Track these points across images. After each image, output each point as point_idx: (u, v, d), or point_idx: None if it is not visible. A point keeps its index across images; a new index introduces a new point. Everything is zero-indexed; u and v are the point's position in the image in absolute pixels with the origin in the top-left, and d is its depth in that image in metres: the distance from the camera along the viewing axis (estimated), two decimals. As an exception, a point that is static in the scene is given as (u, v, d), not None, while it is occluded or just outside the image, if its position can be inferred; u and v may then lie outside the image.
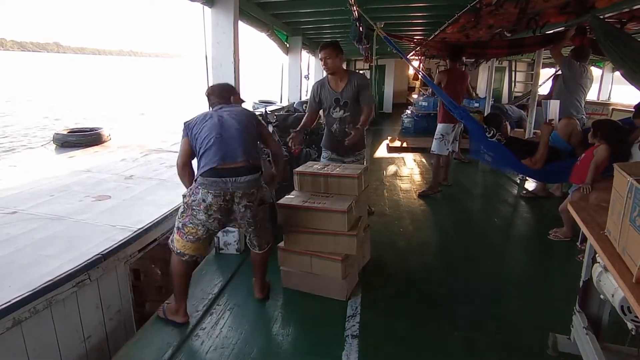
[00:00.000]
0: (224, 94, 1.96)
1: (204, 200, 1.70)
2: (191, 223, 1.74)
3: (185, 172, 1.83)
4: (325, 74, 2.61)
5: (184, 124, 1.83)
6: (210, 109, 1.94)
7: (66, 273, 1.70)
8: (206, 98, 2.00)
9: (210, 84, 2.41)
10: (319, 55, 2.57)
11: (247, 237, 1.97)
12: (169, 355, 1.68)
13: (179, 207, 1.83)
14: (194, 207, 1.72)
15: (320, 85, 2.62)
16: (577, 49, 3.50)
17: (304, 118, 2.72)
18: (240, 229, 1.90)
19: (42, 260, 1.84)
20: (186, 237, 1.76)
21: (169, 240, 1.84)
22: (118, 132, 5.78)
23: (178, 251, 1.79)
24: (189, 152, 1.81)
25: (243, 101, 2.08)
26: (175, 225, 1.80)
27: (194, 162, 1.83)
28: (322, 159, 2.82)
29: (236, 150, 1.75)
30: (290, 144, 2.43)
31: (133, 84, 31.53)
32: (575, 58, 3.41)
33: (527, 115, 4.75)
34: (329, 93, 2.57)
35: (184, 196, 1.77)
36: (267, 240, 1.98)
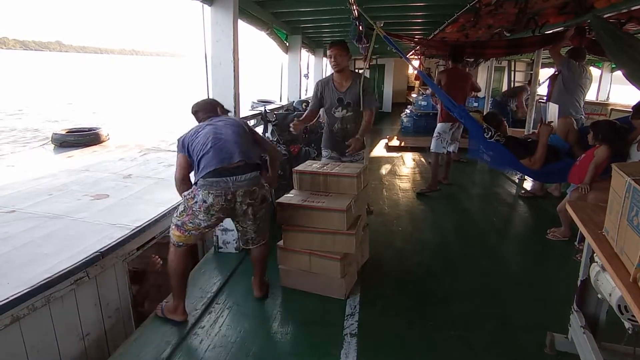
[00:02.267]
0: (209, 108, 2.02)
1: (204, 202, 1.72)
2: (191, 222, 1.77)
3: (184, 186, 1.85)
4: (326, 73, 2.61)
5: (178, 140, 1.86)
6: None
7: (64, 270, 1.71)
8: (193, 115, 2.03)
9: (210, 83, 2.42)
10: (328, 52, 2.59)
11: (244, 234, 1.96)
12: (167, 353, 1.68)
13: (178, 205, 1.84)
14: (194, 208, 1.74)
15: (324, 84, 2.63)
16: (574, 49, 3.51)
17: (305, 112, 2.74)
18: (240, 225, 1.91)
19: (40, 258, 1.84)
20: (188, 233, 1.79)
21: (170, 234, 1.86)
22: (117, 131, 5.76)
23: (179, 244, 1.81)
24: (186, 166, 1.84)
25: (228, 111, 2.13)
26: (174, 223, 1.81)
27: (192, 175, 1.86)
28: (322, 158, 2.82)
29: (233, 151, 1.78)
30: (290, 126, 2.47)
31: (134, 83, 31.46)
32: (573, 58, 3.42)
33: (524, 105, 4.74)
34: (332, 92, 2.58)
35: (185, 196, 1.79)
36: (263, 236, 1.99)
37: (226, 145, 1.78)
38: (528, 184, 4.20)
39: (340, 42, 2.54)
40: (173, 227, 1.82)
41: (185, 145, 1.83)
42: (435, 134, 3.89)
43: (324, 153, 2.80)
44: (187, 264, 1.88)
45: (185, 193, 1.80)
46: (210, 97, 2.44)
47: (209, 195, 1.71)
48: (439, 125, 3.89)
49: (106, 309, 1.95)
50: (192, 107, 2.04)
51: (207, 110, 2.00)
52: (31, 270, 1.70)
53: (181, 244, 1.81)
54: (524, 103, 6.35)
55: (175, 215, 1.82)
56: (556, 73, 4.46)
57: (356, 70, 3.35)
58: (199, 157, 1.77)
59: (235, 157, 1.76)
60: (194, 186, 1.78)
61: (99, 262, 1.87)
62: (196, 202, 1.73)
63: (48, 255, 1.86)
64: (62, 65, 62.01)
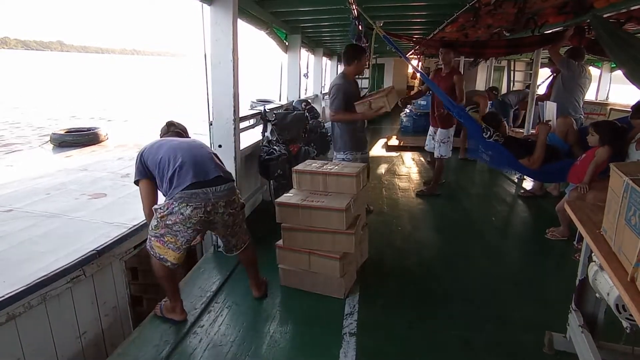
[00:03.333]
0: (181, 131, 2.02)
1: (181, 214, 1.66)
2: (169, 234, 1.70)
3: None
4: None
5: (138, 162, 1.78)
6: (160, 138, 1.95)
7: (61, 268, 1.70)
8: (165, 127, 2.03)
9: (210, 82, 2.41)
10: (362, 60, 2.82)
11: (226, 243, 1.93)
12: (166, 352, 1.68)
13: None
14: (168, 222, 1.68)
15: (348, 84, 2.81)
16: (574, 49, 3.52)
17: (344, 112, 2.78)
18: (218, 234, 1.90)
19: (37, 256, 1.83)
20: (167, 245, 1.72)
21: (148, 246, 1.79)
22: (115, 131, 5.76)
23: (160, 256, 1.74)
24: (153, 193, 1.79)
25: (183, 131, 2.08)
26: (152, 235, 1.75)
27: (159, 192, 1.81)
28: (345, 160, 2.81)
29: (208, 166, 1.74)
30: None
31: (135, 83, 31.41)
32: (572, 58, 3.42)
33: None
34: (356, 89, 2.88)
35: (156, 210, 1.72)
36: (243, 239, 1.96)
37: (199, 160, 1.74)
38: (527, 183, 4.20)
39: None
40: (152, 239, 1.74)
41: (145, 164, 1.76)
42: (443, 139, 3.74)
43: (348, 156, 2.83)
44: (173, 270, 1.81)
45: (156, 207, 1.73)
46: (210, 96, 2.45)
47: (187, 207, 1.65)
48: (444, 131, 3.74)
49: (103, 308, 1.94)
50: (166, 123, 2.06)
51: (177, 132, 2.00)
52: (27, 268, 1.70)
53: (162, 257, 1.73)
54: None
55: (151, 229, 1.75)
56: (554, 74, 4.48)
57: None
58: (169, 173, 1.69)
59: (211, 174, 1.72)
60: (166, 200, 1.70)
61: (95, 260, 1.87)
62: (171, 214, 1.66)
63: (44, 254, 1.85)
64: (63, 65, 61.89)
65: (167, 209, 1.67)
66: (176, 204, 1.66)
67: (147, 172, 1.78)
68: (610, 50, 2.46)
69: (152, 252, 1.77)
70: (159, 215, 1.71)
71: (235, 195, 1.82)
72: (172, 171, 1.70)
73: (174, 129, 2.00)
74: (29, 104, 16.57)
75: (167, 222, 1.68)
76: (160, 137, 1.96)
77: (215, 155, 1.89)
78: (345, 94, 2.73)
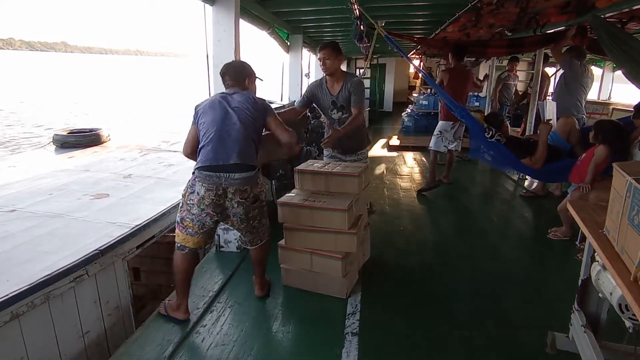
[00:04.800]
0: (239, 77, 1.91)
1: (197, 193, 1.72)
2: (188, 217, 1.77)
3: (192, 158, 1.85)
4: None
5: (195, 108, 1.85)
6: (225, 89, 1.91)
7: (64, 268, 1.71)
8: (221, 77, 1.94)
9: (212, 82, 2.42)
10: (318, 55, 2.54)
11: (241, 235, 1.97)
12: (169, 352, 1.69)
13: (179, 202, 1.84)
14: (188, 202, 1.75)
15: (318, 86, 2.59)
16: (575, 48, 3.51)
17: (290, 108, 2.72)
18: (233, 226, 1.90)
19: (40, 256, 1.84)
20: (186, 231, 1.79)
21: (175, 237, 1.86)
22: (117, 132, 5.77)
23: (179, 245, 1.81)
24: (195, 141, 1.82)
25: (257, 83, 2.02)
26: (177, 220, 1.82)
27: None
28: (324, 157, 2.82)
29: (231, 151, 1.74)
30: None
31: (138, 83, 31.53)
32: (575, 57, 3.41)
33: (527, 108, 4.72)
34: (326, 95, 2.55)
35: (184, 190, 1.79)
36: (259, 237, 1.95)
37: (226, 143, 1.75)
38: (529, 183, 4.19)
39: (330, 44, 2.44)
40: (176, 225, 1.83)
41: (198, 116, 1.82)
42: (436, 132, 3.90)
43: (325, 152, 2.80)
44: (191, 264, 1.87)
45: (187, 183, 1.79)
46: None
47: (202, 187, 1.71)
48: (440, 123, 3.91)
49: (106, 307, 1.95)
50: (222, 68, 1.95)
51: (234, 79, 1.90)
52: (31, 268, 1.71)
53: (181, 245, 1.80)
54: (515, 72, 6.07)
55: (178, 212, 1.83)
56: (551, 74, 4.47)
57: (352, 71, 3.33)
58: (200, 144, 1.77)
59: (232, 159, 1.74)
60: (192, 175, 1.77)
61: (98, 260, 1.88)
62: (192, 192, 1.74)
63: (48, 253, 1.86)
64: (67, 66, 62.15)
65: (191, 186, 1.75)
66: (197, 182, 1.73)
67: (196, 121, 1.83)
68: (610, 51, 2.46)
69: (176, 245, 1.83)
70: (184, 193, 1.77)
71: (249, 186, 1.77)
72: (202, 144, 1.76)
73: (228, 80, 1.91)
74: (32, 104, 16.64)
75: (189, 201, 1.75)
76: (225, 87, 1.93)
77: (257, 128, 1.84)
78: (305, 94, 2.69)
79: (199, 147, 1.78)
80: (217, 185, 1.71)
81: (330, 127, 2.67)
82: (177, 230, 1.82)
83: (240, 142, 1.77)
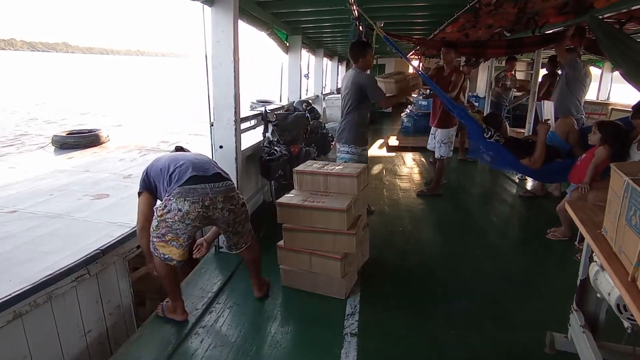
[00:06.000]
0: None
1: (179, 210, 1.68)
2: (170, 233, 1.72)
3: (145, 234, 1.82)
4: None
5: (144, 175, 1.88)
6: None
7: (65, 268, 1.71)
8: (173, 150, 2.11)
9: (211, 83, 2.42)
10: (369, 56, 2.84)
11: (228, 240, 1.96)
12: (168, 352, 1.69)
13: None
14: (167, 220, 1.70)
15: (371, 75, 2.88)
16: (575, 48, 3.52)
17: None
18: (220, 230, 1.93)
19: (42, 256, 1.85)
20: (170, 244, 1.74)
21: (152, 248, 1.80)
22: (117, 132, 5.78)
23: (165, 256, 1.76)
24: (150, 208, 1.82)
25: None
26: (154, 236, 1.77)
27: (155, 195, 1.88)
28: (349, 154, 2.89)
29: (207, 166, 1.81)
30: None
31: (139, 84, 31.52)
32: (578, 57, 3.43)
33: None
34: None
35: (156, 209, 1.75)
36: (244, 240, 1.95)
37: (200, 161, 1.82)
38: (528, 183, 4.20)
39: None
40: (155, 239, 1.76)
41: (148, 174, 1.85)
42: (444, 139, 3.75)
43: (353, 150, 2.88)
44: (173, 268, 1.83)
45: (157, 206, 1.77)
46: (211, 97, 2.46)
47: (185, 202, 1.67)
48: (444, 131, 3.75)
49: (107, 306, 1.96)
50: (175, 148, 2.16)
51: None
52: (32, 268, 1.71)
53: (168, 257, 1.75)
54: (514, 76, 6.13)
55: (152, 231, 1.77)
56: (548, 74, 4.47)
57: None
58: (170, 172, 1.75)
59: (210, 170, 1.78)
60: (165, 198, 1.73)
61: (99, 259, 1.88)
62: (169, 211, 1.69)
63: (49, 253, 1.86)
64: (69, 66, 62.16)
65: (166, 206, 1.71)
66: (174, 200, 1.69)
67: (149, 184, 1.85)
68: (608, 52, 2.47)
69: (156, 253, 1.78)
70: (159, 214, 1.73)
71: (235, 193, 1.84)
72: (173, 169, 1.76)
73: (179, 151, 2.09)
74: (34, 105, 16.65)
75: (167, 220, 1.71)
76: None
77: (216, 163, 1.96)
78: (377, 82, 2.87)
79: (167, 177, 1.76)
80: (203, 196, 1.70)
81: (365, 119, 2.91)
82: (159, 244, 1.75)
83: (211, 161, 1.88)
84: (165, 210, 1.70)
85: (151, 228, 1.78)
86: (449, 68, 3.73)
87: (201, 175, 1.73)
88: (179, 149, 2.13)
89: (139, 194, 1.89)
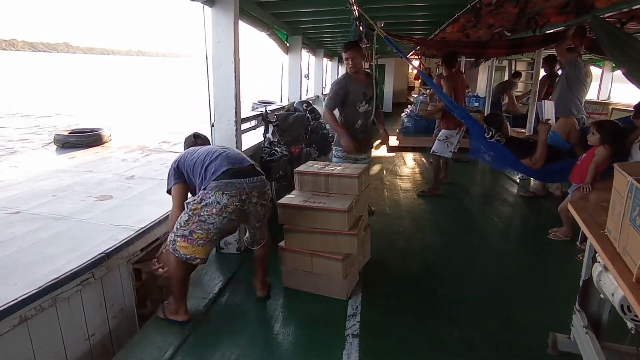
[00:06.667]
0: (190, 141, 2.13)
1: (218, 203, 1.69)
2: (200, 229, 1.72)
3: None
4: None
5: (173, 169, 1.89)
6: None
7: (71, 271, 1.71)
8: (192, 138, 2.14)
9: (211, 84, 2.42)
10: (344, 54, 2.71)
11: (250, 234, 1.99)
12: (170, 354, 1.69)
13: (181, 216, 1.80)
14: (202, 213, 1.71)
15: (346, 80, 2.74)
16: (576, 48, 3.52)
17: (331, 114, 2.77)
18: (250, 228, 1.95)
19: (47, 259, 1.84)
20: (196, 243, 1.74)
21: (171, 249, 1.79)
22: (119, 132, 5.78)
23: (187, 257, 1.76)
24: (184, 194, 1.85)
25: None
26: (179, 234, 1.75)
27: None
28: (335, 159, 2.87)
29: (241, 158, 1.85)
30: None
31: (140, 84, 31.58)
32: (579, 57, 3.43)
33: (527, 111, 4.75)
34: (357, 87, 2.71)
35: (188, 203, 1.75)
36: (264, 235, 2.01)
37: (233, 154, 1.86)
38: (529, 183, 4.19)
39: (356, 44, 2.68)
40: (178, 238, 1.76)
41: (179, 167, 1.86)
42: (441, 137, 3.84)
43: (339, 154, 2.85)
44: (188, 270, 1.88)
45: (189, 200, 1.77)
46: (211, 97, 2.46)
47: (223, 195, 1.69)
48: (444, 131, 3.84)
49: (111, 310, 1.96)
50: (191, 135, 2.16)
51: (189, 143, 2.10)
52: (38, 271, 1.71)
53: (191, 257, 1.75)
54: (514, 98, 6.46)
55: (178, 227, 1.75)
56: (547, 74, 4.47)
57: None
58: (205, 165, 1.77)
59: (245, 163, 1.83)
60: (201, 191, 1.73)
61: (104, 263, 1.88)
62: (206, 204, 1.69)
63: (54, 256, 1.86)
64: (70, 66, 62.25)
65: (202, 200, 1.70)
66: (212, 193, 1.69)
67: (181, 176, 1.86)
68: (610, 51, 2.47)
69: (176, 254, 1.77)
70: (192, 208, 1.72)
71: (267, 188, 1.88)
72: (209, 162, 1.78)
73: (200, 142, 2.11)
74: (35, 105, 16.67)
75: (201, 213, 1.70)
76: (187, 147, 2.06)
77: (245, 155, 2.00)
78: (337, 91, 2.75)
79: (201, 170, 1.77)
80: (240, 190, 1.72)
81: (353, 124, 2.78)
82: (182, 244, 1.74)
83: (242, 154, 1.91)
84: (202, 204, 1.70)
85: (177, 224, 1.77)
86: (447, 72, 3.92)
87: (237, 169, 1.75)
88: (197, 137, 2.14)
89: (169, 190, 1.89)
